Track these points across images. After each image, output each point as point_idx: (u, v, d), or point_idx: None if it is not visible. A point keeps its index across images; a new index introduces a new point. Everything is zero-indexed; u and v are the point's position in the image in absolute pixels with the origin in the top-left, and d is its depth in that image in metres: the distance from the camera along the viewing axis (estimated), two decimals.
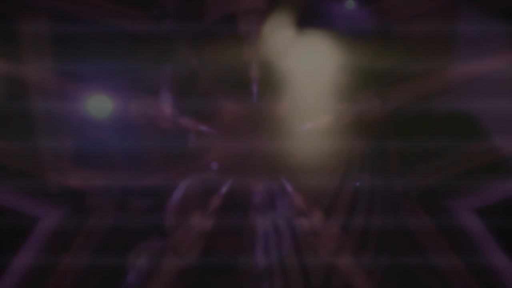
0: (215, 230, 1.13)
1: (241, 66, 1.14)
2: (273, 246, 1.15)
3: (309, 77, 1.16)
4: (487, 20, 1.17)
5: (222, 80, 1.15)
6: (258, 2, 1.13)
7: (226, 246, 1.14)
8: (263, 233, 1.14)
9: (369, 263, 1.15)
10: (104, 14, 1.11)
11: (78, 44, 1.15)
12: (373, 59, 1.16)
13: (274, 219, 1.15)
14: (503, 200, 1.07)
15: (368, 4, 1.13)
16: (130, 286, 1.10)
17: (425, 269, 1.11)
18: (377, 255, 1.16)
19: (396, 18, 1.14)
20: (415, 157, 1.15)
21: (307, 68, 1.16)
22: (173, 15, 1.13)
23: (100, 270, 1.12)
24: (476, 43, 1.18)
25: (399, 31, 1.16)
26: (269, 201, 1.16)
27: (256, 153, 1.13)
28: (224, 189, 1.13)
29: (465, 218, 1.09)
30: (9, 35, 1.16)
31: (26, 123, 1.18)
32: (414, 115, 1.17)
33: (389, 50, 1.15)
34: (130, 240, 1.14)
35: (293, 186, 1.15)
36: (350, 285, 1.14)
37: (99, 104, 1.17)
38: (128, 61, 1.15)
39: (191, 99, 1.16)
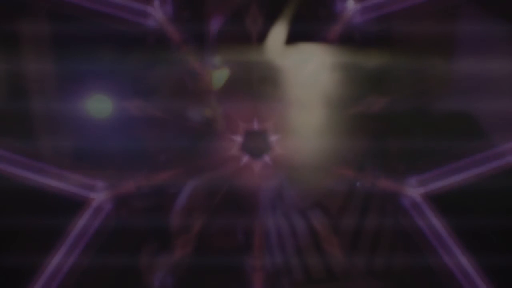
0: (218, 229, 1.13)
1: (242, 67, 1.14)
2: (276, 245, 1.15)
3: (309, 78, 1.16)
4: (487, 20, 1.17)
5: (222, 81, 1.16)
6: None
7: (229, 245, 1.15)
8: (266, 233, 1.14)
9: (369, 262, 1.16)
10: (105, 14, 1.11)
11: (78, 44, 1.15)
12: (373, 59, 1.16)
13: (277, 218, 1.16)
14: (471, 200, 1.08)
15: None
16: None
17: (425, 268, 1.11)
18: (378, 254, 1.16)
19: (396, 18, 1.14)
20: (415, 156, 1.15)
21: (307, 69, 1.16)
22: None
23: (101, 270, 1.12)
24: (476, 43, 1.18)
25: (399, 31, 1.16)
26: (272, 200, 1.16)
27: (257, 153, 1.13)
28: (228, 189, 1.13)
29: (429, 218, 1.09)
30: (9, 35, 1.16)
31: (26, 123, 1.18)
32: (414, 115, 1.17)
33: (389, 50, 1.16)
34: (130, 240, 1.15)
35: (295, 186, 1.15)
36: (347, 283, 1.14)
37: (99, 104, 1.17)
38: (128, 61, 1.15)
39: (191, 98, 1.16)
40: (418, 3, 1.10)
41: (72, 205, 1.10)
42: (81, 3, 1.07)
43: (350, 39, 1.13)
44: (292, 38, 1.15)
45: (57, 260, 1.07)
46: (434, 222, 1.09)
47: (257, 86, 1.13)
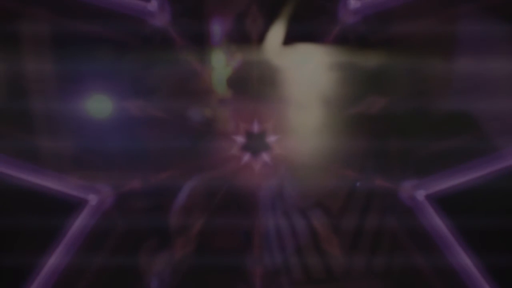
0: (218, 229, 1.13)
1: (242, 67, 1.14)
2: (276, 245, 1.15)
3: (308, 78, 1.16)
4: (487, 20, 1.17)
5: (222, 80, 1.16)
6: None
7: (229, 245, 1.15)
8: (266, 232, 1.14)
9: (369, 262, 1.16)
10: (105, 14, 1.11)
11: (78, 44, 1.15)
12: (373, 59, 1.16)
13: (277, 218, 1.16)
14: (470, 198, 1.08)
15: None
16: None
17: (426, 269, 1.11)
18: (378, 254, 1.16)
19: (396, 18, 1.14)
20: (415, 157, 1.15)
21: (306, 69, 1.16)
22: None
23: (100, 269, 1.12)
24: (476, 43, 1.18)
25: (399, 31, 1.16)
26: (272, 200, 1.16)
27: (257, 153, 1.13)
28: (228, 189, 1.13)
29: (429, 218, 1.09)
30: (9, 35, 1.16)
31: (26, 123, 1.18)
32: (414, 115, 1.17)
33: (388, 50, 1.16)
34: (131, 240, 1.15)
35: (295, 186, 1.15)
36: (347, 283, 1.14)
37: (99, 104, 1.17)
38: (128, 61, 1.15)
39: (191, 98, 1.16)
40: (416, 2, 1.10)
41: (72, 205, 1.09)
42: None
43: (349, 39, 1.13)
44: (291, 39, 1.15)
45: (56, 260, 1.07)
46: (435, 222, 1.09)
47: (257, 86, 1.13)
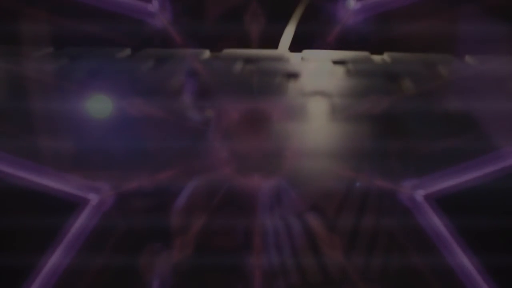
0: (219, 229, 1.13)
1: (242, 68, 1.14)
2: (274, 247, 1.15)
3: (310, 78, 1.16)
4: (487, 20, 1.17)
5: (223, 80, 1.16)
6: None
7: (228, 245, 1.15)
8: (265, 233, 1.15)
9: (367, 265, 1.16)
10: (106, 15, 1.11)
11: (78, 44, 1.16)
12: (375, 60, 1.17)
13: (275, 219, 1.16)
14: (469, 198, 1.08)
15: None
16: None
17: (425, 270, 1.11)
18: (376, 256, 1.16)
19: (397, 18, 1.14)
20: (415, 157, 1.15)
21: (308, 70, 1.16)
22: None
23: (101, 270, 1.12)
24: (476, 43, 1.18)
25: (400, 31, 1.16)
26: (271, 201, 1.16)
27: (257, 153, 1.13)
28: (228, 189, 1.13)
29: (429, 218, 1.09)
30: (9, 35, 1.16)
31: (26, 123, 1.18)
32: (415, 115, 1.17)
33: (390, 50, 1.16)
34: (131, 240, 1.15)
35: (294, 187, 1.15)
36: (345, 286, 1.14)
37: (99, 104, 1.17)
38: (128, 61, 1.16)
39: (191, 99, 1.16)
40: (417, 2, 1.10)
41: (72, 205, 1.10)
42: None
43: (350, 40, 1.14)
44: (295, 41, 1.16)
45: (56, 260, 1.07)
46: (434, 223, 1.09)
47: (257, 87, 1.14)
